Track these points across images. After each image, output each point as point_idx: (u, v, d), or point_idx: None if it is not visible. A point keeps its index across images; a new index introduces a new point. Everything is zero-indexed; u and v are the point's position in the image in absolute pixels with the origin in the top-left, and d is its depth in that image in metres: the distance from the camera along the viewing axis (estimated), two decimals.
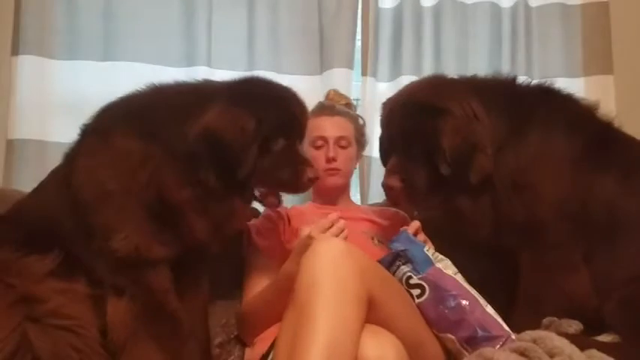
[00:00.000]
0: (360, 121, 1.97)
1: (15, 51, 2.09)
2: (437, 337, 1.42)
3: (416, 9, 2.35)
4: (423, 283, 1.42)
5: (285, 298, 1.26)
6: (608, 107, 1.79)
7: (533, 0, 2.41)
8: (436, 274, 1.43)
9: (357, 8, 2.32)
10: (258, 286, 1.64)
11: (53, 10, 2.12)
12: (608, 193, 1.54)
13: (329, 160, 1.82)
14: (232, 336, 1.72)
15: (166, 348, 1.41)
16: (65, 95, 2.12)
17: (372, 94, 2.28)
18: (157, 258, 1.42)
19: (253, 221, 1.82)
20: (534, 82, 1.73)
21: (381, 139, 1.75)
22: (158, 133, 1.44)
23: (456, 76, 1.74)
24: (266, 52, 2.26)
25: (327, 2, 2.29)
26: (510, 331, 1.39)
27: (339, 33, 2.27)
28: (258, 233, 1.76)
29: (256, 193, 1.58)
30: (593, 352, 1.22)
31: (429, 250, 1.51)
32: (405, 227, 1.56)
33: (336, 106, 1.94)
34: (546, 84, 1.71)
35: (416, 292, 1.42)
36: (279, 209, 1.82)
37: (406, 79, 2.26)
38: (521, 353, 1.20)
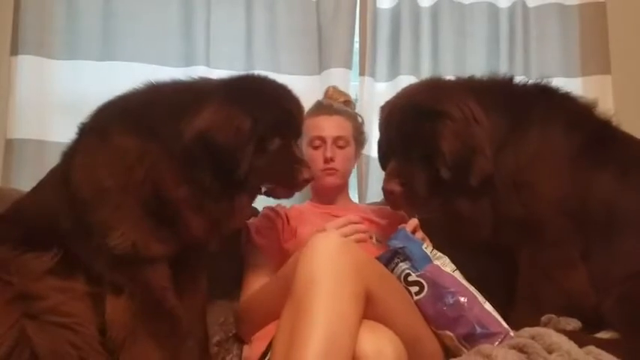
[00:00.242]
0: (359, 120, 1.98)
1: (14, 51, 2.09)
2: (435, 334, 1.42)
3: (414, 9, 2.35)
4: (422, 281, 1.42)
5: (284, 296, 1.26)
6: (606, 107, 1.79)
7: (531, 0, 2.42)
8: (434, 272, 1.43)
9: (355, 8, 2.33)
10: (256, 284, 1.65)
11: (52, 9, 2.12)
12: (607, 191, 1.54)
13: (327, 161, 1.83)
14: (231, 334, 1.72)
15: (165, 346, 1.41)
16: (64, 95, 2.12)
17: (370, 94, 2.29)
18: (155, 255, 1.42)
19: (252, 220, 1.82)
20: (531, 81, 1.73)
21: (380, 143, 1.75)
22: (155, 130, 1.44)
23: (453, 78, 1.74)
24: (264, 52, 2.26)
25: (325, 2, 2.30)
26: (509, 328, 1.39)
27: (338, 33, 2.28)
28: (256, 232, 1.76)
29: (265, 185, 1.58)
30: (592, 348, 1.22)
31: (428, 247, 1.51)
32: (403, 225, 1.56)
33: (334, 104, 1.94)
34: (543, 83, 1.71)
35: (414, 289, 1.43)
36: (277, 209, 1.83)
37: (404, 79, 2.27)
38: (520, 350, 1.20)
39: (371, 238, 1.76)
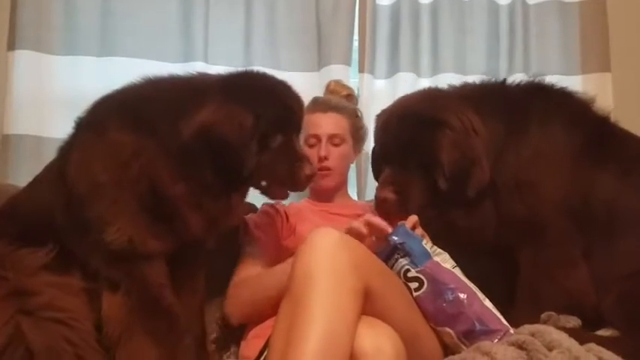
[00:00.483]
0: (358, 114, 1.96)
1: (11, 46, 2.09)
2: (434, 330, 1.41)
3: (413, 6, 2.35)
4: (421, 277, 1.41)
5: (277, 291, 1.26)
6: (606, 105, 1.79)
7: None
8: (434, 268, 1.42)
9: (354, 5, 2.32)
10: (249, 271, 1.64)
11: (50, 4, 2.12)
12: (608, 189, 1.54)
13: (320, 159, 1.81)
14: (228, 332, 1.71)
15: (162, 343, 1.40)
16: (62, 91, 2.12)
17: (370, 91, 2.28)
18: (152, 251, 1.41)
19: (251, 215, 1.81)
20: (524, 80, 1.72)
21: (374, 151, 1.74)
22: (152, 127, 1.42)
23: (446, 87, 1.73)
24: (263, 49, 2.26)
25: None
26: (509, 326, 1.38)
27: (337, 29, 2.27)
28: (255, 226, 1.75)
29: (263, 183, 1.57)
30: (592, 345, 1.22)
31: (427, 243, 1.50)
32: (402, 221, 1.55)
33: (331, 101, 1.92)
34: (536, 81, 1.70)
35: (414, 285, 1.41)
36: (277, 206, 1.82)
37: (404, 76, 2.27)
38: (520, 347, 1.20)
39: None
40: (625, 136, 1.67)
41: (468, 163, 1.51)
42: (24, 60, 2.08)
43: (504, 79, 1.72)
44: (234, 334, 1.71)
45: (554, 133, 1.59)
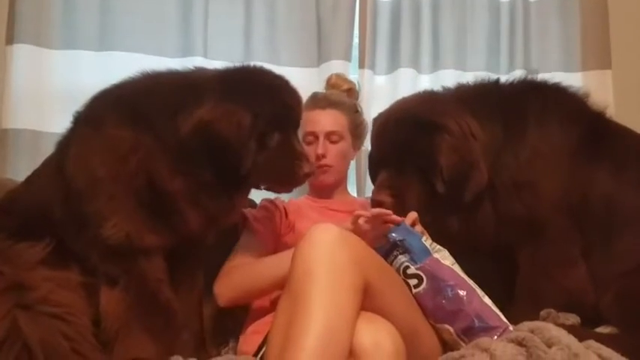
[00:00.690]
0: (357, 110, 1.94)
1: (10, 40, 2.08)
2: (433, 327, 1.41)
3: (414, 2, 2.34)
4: (421, 273, 1.41)
5: (270, 280, 1.25)
6: (606, 102, 1.78)
7: None
8: (434, 265, 1.42)
9: (355, 1, 2.31)
10: (243, 261, 1.63)
11: None
12: (605, 186, 1.54)
13: (318, 157, 1.80)
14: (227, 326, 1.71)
15: (159, 339, 1.39)
16: (61, 85, 2.11)
17: (370, 87, 2.27)
18: (150, 247, 1.40)
19: (250, 210, 1.81)
20: (517, 78, 1.72)
21: (371, 154, 1.73)
22: (150, 121, 1.42)
23: (443, 90, 1.72)
24: (263, 44, 2.25)
25: None
26: (508, 323, 1.38)
27: (337, 25, 2.26)
28: (255, 219, 1.74)
29: (262, 183, 1.57)
30: (591, 342, 1.21)
31: (427, 240, 1.50)
32: (402, 218, 1.54)
33: (329, 97, 1.90)
34: (529, 78, 1.70)
35: (413, 282, 1.41)
36: (276, 202, 1.81)
37: (404, 72, 2.27)
38: (519, 343, 1.20)
39: None
40: (621, 131, 1.67)
41: (467, 167, 1.51)
42: (23, 54, 2.07)
43: (497, 79, 1.72)
44: (232, 330, 1.71)
45: (551, 131, 1.59)
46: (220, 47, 2.21)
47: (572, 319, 1.45)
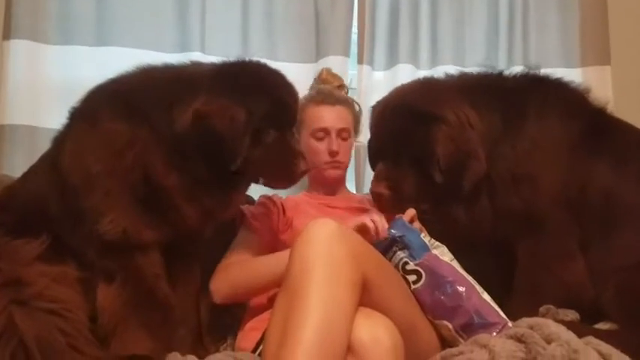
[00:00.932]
0: (357, 108, 1.95)
1: (6, 35, 2.07)
2: (432, 323, 1.40)
3: None
4: (420, 269, 1.41)
5: (268, 277, 1.26)
6: (605, 98, 1.77)
7: None
8: (432, 261, 1.42)
9: None
10: (241, 258, 1.63)
11: None
12: (605, 181, 1.54)
13: (332, 154, 1.80)
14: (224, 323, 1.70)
15: (157, 335, 1.39)
16: (57, 80, 2.10)
17: (369, 83, 2.26)
18: (147, 242, 1.40)
19: (248, 206, 1.80)
20: (520, 72, 1.71)
21: (370, 143, 1.73)
22: (145, 116, 1.41)
23: (444, 77, 1.71)
24: (261, 39, 2.24)
25: None
26: (507, 319, 1.37)
27: (336, 20, 2.25)
28: (252, 216, 1.74)
29: (259, 179, 1.56)
30: (591, 338, 1.21)
31: (425, 236, 1.50)
32: (400, 215, 1.54)
33: (334, 93, 1.91)
34: (532, 72, 1.70)
35: (412, 278, 1.41)
36: (274, 198, 1.81)
37: (403, 68, 2.26)
38: (518, 339, 1.19)
39: None
40: (621, 126, 1.67)
41: (464, 157, 1.50)
42: (19, 50, 2.06)
43: (501, 71, 1.71)
44: (230, 325, 1.70)
45: (551, 125, 1.58)
46: (218, 42, 2.20)
47: (572, 315, 1.45)
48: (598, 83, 2.25)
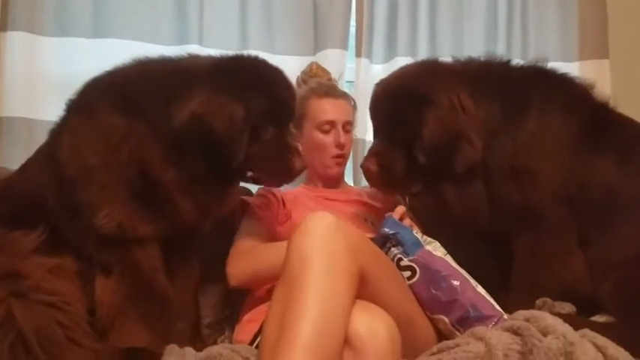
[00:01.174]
0: (352, 102, 1.95)
1: (3, 27, 2.05)
2: (429, 318, 1.41)
3: None
4: (414, 265, 1.41)
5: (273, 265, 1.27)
6: (604, 91, 1.77)
7: None
8: (426, 256, 1.42)
9: None
10: (251, 245, 1.63)
11: None
12: (605, 176, 1.53)
13: (340, 146, 1.81)
14: (222, 316, 1.71)
15: (155, 328, 1.39)
16: (55, 73, 2.09)
17: (367, 76, 2.26)
18: (143, 236, 1.40)
19: (249, 197, 1.81)
20: (528, 63, 1.71)
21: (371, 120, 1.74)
22: (142, 109, 1.41)
23: (450, 60, 1.71)
24: (259, 32, 2.23)
25: None
26: (502, 311, 1.38)
27: (334, 13, 2.24)
28: (257, 206, 1.74)
29: (252, 174, 1.56)
30: (587, 331, 1.21)
31: (417, 233, 1.50)
32: (390, 213, 1.55)
33: (334, 86, 1.92)
34: (539, 65, 1.69)
35: (407, 274, 1.42)
36: (274, 190, 1.81)
37: (401, 61, 2.24)
38: (514, 332, 1.20)
39: (365, 220, 1.76)
40: (624, 121, 1.66)
41: (453, 138, 1.50)
42: (16, 42, 2.05)
43: (509, 60, 1.71)
44: (228, 318, 1.71)
45: (553, 120, 1.58)
46: (216, 35, 2.19)
47: (568, 308, 1.45)
48: (596, 77, 2.22)
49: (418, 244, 1.44)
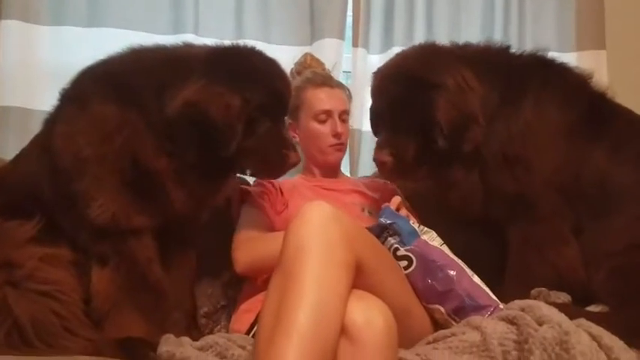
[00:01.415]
0: (348, 92, 1.95)
1: None
2: (425, 308, 1.41)
3: None
4: (410, 255, 1.41)
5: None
6: (601, 82, 1.77)
7: None
8: (422, 246, 1.42)
9: None
10: (254, 234, 1.63)
11: None
12: (600, 166, 1.54)
13: (337, 136, 1.80)
14: (219, 306, 1.71)
15: (151, 318, 1.40)
16: (50, 62, 2.08)
17: (364, 66, 2.24)
18: (138, 227, 1.39)
19: (247, 187, 1.80)
20: (527, 51, 1.71)
21: (371, 110, 1.73)
22: (136, 98, 1.40)
23: (447, 45, 1.71)
24: (255, 22, 2.21)
25: None
26: (498, 301, 1.39)
27: (331, 3, 2.22)
28: (257, 195, 1.74)
29: (247, 169, 1.56)
30: (582, 321, 1.22)
31: (414, 223, 1.50)
32: (386, 204, 1.55)
33: (331, 77, 1.92)
34: (539, 53, 1.69)
35: (403, 263, 1.41)
36: (271, 180, 1.80)
37: (398, 51, 2.23)
38: (510, 321, 1.20)
39: (363, 210, 1.76)
40: (621, 112, 1.66)
41: (465, 120, 1.50)
42: (11, 30, 2.04)
43: (508, 46, 1.70)
44: (224, 308, 1.71)
45: (548, 110, 1.58)
46: (211, 24, 2.17)
47: (563, 297, 1.46)
48: (593, 68, 2.22)
49: (415, 234, 1.44)
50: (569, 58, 2.29)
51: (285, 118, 1.61)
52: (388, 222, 1.45)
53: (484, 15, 2.35)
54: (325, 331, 1.03)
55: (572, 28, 2.37)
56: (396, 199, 1.57)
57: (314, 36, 2.23)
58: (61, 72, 1.94)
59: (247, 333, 1.43)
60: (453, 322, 1.37)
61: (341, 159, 1.89)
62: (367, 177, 2.02)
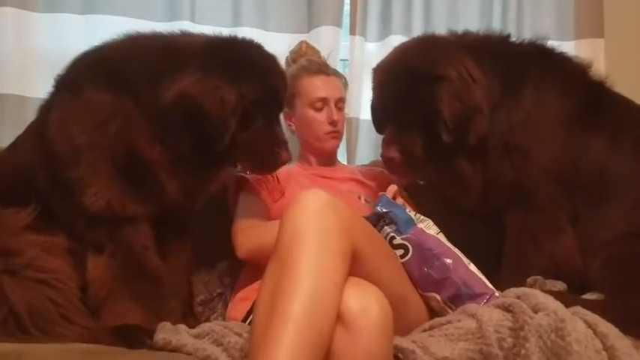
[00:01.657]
0: (344, 80, 1.94)
1: None
2: (421, 296, 1.41)
3: None
4: (407, 243, 1.41)
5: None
6: (599, 71, 1.76)
7: None
8: (418, 234, 1.43)
9: None
10: (255, 222, 1.63)
11: None
12: (599, 155, 1.54)
13: (333, 123, 1.80)
14: (215, 294, 1.71)
15: (147, 305, 1.39)
16: (45, 49, 2.06)
17: (361, 54, 2.23)
18: (133, 215, 1.39)
19: (244, 175, 1.80)
20: (527, 40, 1.70)
21: (374, 106, 1.73)
22: (130, 86, 1.39)
23: (447, 34, 1.70)
24: (252, 9, 2.19)
25: None
26: (494, 289, 1.39)
27: None
28: (255, 183, 1.74)
29: (237, 163, 1.57)
30: (578, 308, 1.22)
31: (411, 211, 1.50)
32: (382, 192, 1.55)
33: (327, 65, 1.91)
34: (539, 42, 1.68)
35: (399, 252, 1.42)
36: None
37: (396, 39, 2.21)
38: (506, 309, 1.21)
39: (359, 198, 1.76)
40: (620, 101, 1.66)
41: (470, 112, 1.50)
42: (6, 17, 2.02)
43: (508, 35, 1.70)
44: (220, 295, 1.71)
45: (547, 99, 1.58)
46: (208, 11, 2.15)
47: (559, 285, 1.47)
48: (591, 56, 2.21)
49: (411, 223, 1.44)
50: (568, 46, 2.28)
51: (280, 115, 1.60)
52: (384, 210, 1.45)
53: (482, 3, 2.33)
54: (321, 318, 1.03)
55: (571, 16, 2.35)
56: (392, 188, 1.57)
57: (311, 23, 2.21)
58: (57, 59, 1.91)
59: (244, 321, 1.43)
60: (449, 310, 1.37)
61: (337, 147, 1.89)
62: (364, 165, 2.02)
